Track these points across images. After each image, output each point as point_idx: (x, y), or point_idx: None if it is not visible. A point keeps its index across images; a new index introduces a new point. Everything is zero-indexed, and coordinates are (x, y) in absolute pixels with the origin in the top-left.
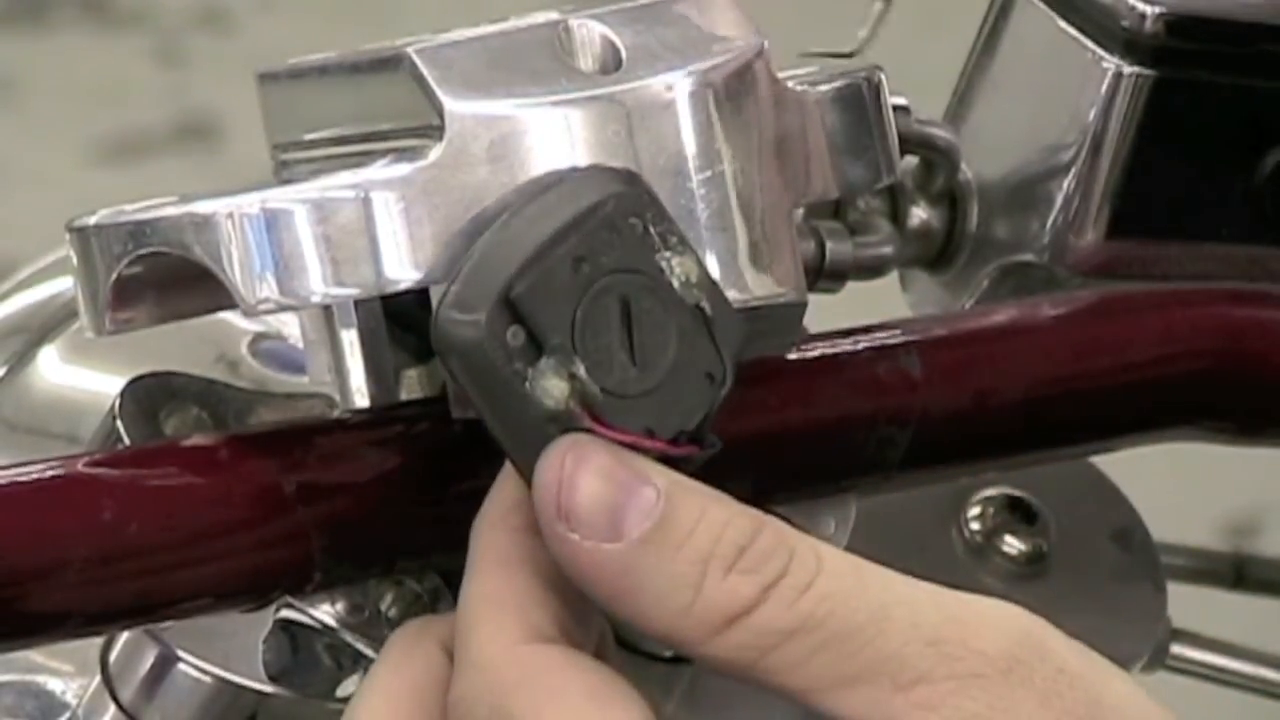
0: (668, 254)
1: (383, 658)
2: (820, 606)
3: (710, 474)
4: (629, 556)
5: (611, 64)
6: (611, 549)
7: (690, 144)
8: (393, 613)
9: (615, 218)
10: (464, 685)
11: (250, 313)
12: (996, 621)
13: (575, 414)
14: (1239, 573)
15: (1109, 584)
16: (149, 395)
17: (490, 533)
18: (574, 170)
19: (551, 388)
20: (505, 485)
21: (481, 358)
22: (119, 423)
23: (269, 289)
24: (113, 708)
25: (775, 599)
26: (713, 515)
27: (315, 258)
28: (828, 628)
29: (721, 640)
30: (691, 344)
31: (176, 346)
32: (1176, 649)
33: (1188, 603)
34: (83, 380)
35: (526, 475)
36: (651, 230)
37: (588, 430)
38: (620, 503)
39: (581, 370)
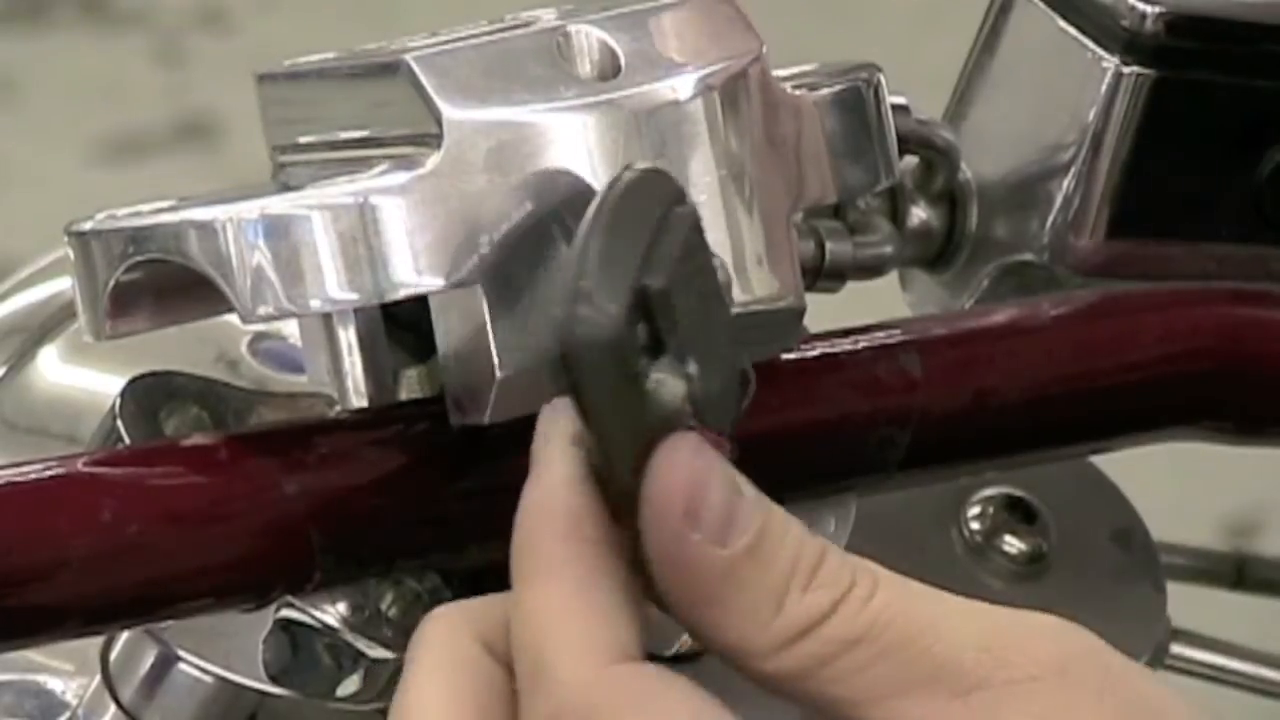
0: (710, 255)
1: (421, 663)
2: (882, 615)
3: None
4: (733, 565)
5: (610, 70)
6: (720, 555)
7: (689, 149)
8: (393, 612)
9: (688, 218)
10: (553, 706)
11: (249, 319)
12: (1043, 628)
13: (686, 414)
14: (1239, 572)
15: (1109, 584)
16: (149, 395)
17: (563, 544)
18: (638, 169)
19: (672, 387)
20: (566, 492)
21: (612, 354)
22: (119, 422)
23: (268, 296)
24: (113, 707)
25: (844, 610)
26: (793, 532)
27: (314, 266)
28: (887, 637)
29: (788, 653)
30: (734, 346)
31: (176, 346)
32: (1176, 649)
33: (1188, 603)
34: (83, 380)
35: (623, 475)
36: (699, 232)
37: (693, 430)
38: (735, 510)
39: (694, 370)
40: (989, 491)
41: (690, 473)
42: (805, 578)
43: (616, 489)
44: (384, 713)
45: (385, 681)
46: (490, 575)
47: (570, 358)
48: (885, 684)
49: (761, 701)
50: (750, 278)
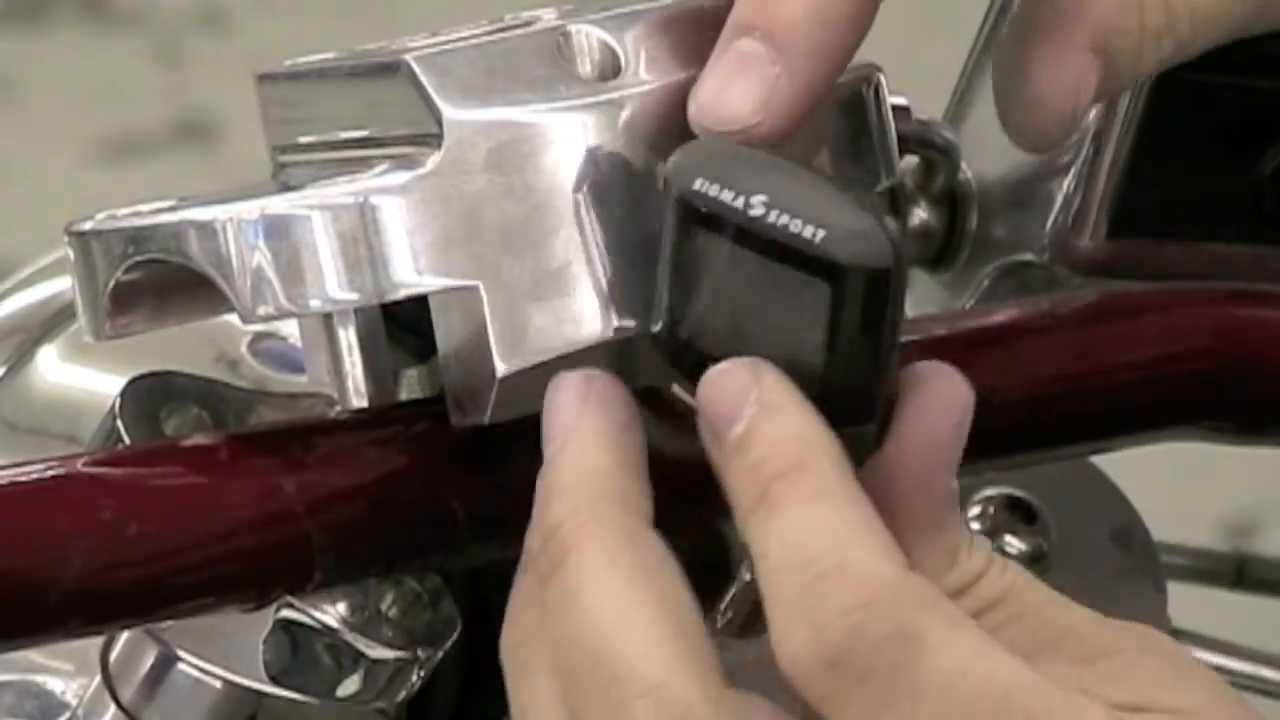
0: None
1: (592, 549)
2: (1016, 582)
3: (712, 474)
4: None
5: (610, 70)
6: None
7: None
8: (393, 613)
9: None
10: (860, 597)
11: (249, 319)
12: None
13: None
14: (1239, 572)
15: (1109, 584)
16: (149, 395)
17: (834, 469)
18: None
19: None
20: (815, 428)
21: (896, 278)
22: (119, 422)
23: (268, 296)
24: (113, 707)
25: (991, 572)
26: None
27: (315, 266)
28: (1019, 603)
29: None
30: None
31: (176, 346)
32: None
33: (1188, 602)
34: (83, 380)
35: (873, 403)
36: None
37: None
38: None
39: None
40: (989, 491)
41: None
42: (969, 539)
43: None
44: (384, 713)
45: (385, 681)
46: (490, 575)
47: (856, 286)
48: (1016, 647)
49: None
50: None
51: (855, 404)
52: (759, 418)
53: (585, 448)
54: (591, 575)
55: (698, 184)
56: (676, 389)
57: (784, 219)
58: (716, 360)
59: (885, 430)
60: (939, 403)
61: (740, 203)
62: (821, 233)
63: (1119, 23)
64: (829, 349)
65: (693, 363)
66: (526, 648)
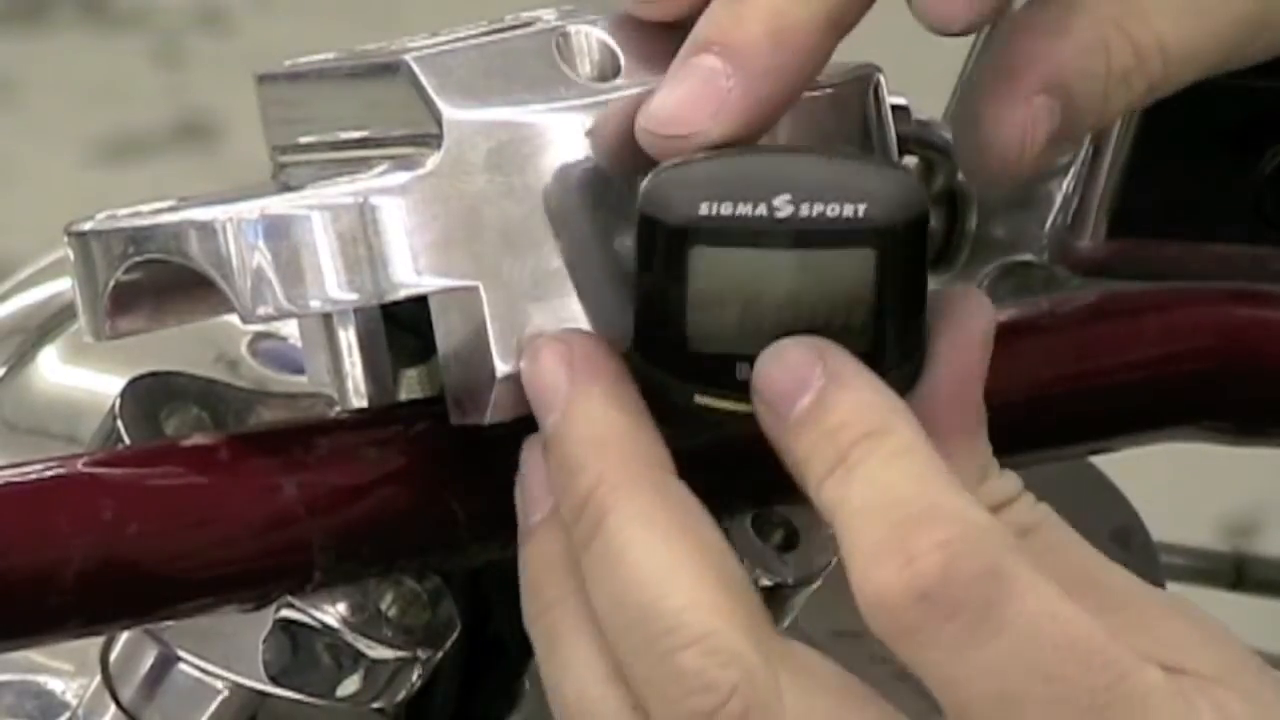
0: None
1: (629, 508)
2: (1049, 518)
3: (712, 473)
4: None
5: (610, 70)
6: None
7: None
8: (393, 612)
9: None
10: (954, 533)
11: (249, 320)
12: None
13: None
14: (1239, 573)
15: None
16: (149, 395)
17: (914, 432)
18: None
19: None
20: (887, 395)
21: (922, 230)
22: (119, 422)
23: (268, 296)
24: (113, 707)
25: (1025, 498)
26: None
27: (314, 266)
28: (1051, 536)
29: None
30: None
31: (176, 346)
32: None
33: None
34: (83, 380)
35: (920, 341)
36: None
37: None
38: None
39: None
40: None
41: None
42: (998, 465)
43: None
44: (384, 712)
45: (385, 681)
46: (490, 575)
47: (891, 241)
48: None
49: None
50: None
51: (903, 348)
52: (830, 388)
53: (592, 412)
54: (631, 535)
55: (704, 209)
56: (700, 398)
57: (817, 208)
58: (741, 359)
59: (923, 357)
60: (968, 321)
61: (763, 209)
62: (862, 205)
63: (1082, 65)
64: (877, 310)
65: (715, 369)
66: (557, 611)
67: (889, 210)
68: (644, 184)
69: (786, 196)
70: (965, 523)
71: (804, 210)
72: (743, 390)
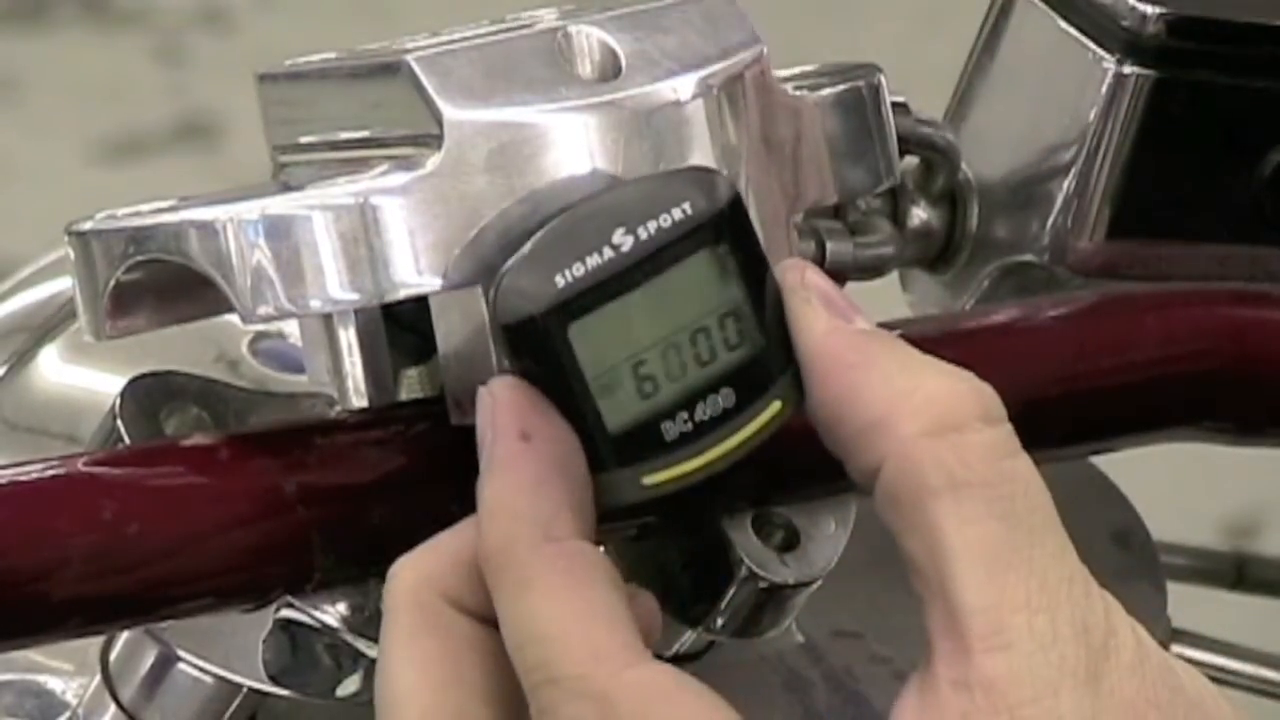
0: None
1: (392, 634)
2: (1018, 478)
3: (712, 473)
4: (860, 338)
5: (611, 71)
6: (849, 326)
7: (689, 150)
8: None
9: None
10: (573, 713)
11: (250, 320)
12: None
13: None
14: (1239, 572)
15: (1109, 584)
16: (149, 395)
17: (541, 549)
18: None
19: None
20: (535, 495)
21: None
22: (119, 422)
23: (268, 296)
24: (113, 707)
25: (990, 438)
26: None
27: (315, 266)
28: (1011, 504)
29: (925, 446)
30: None
31: (177, 346)
32: (1177, 649)
33: (1188, 603)
34: (83, 380)
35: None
36: None
37: None
38: (851, 304)
39: None
40: None
41: (801, 267)
42: (944, 367)
43: None
44: None
45: None
46: None
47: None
48: (981, 546)
49: (765, 699)
50: None
51: (783, 337)
52: (485, 475)
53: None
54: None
55: (560, 281)
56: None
57: (651, 225)
58: (663, 417)
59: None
60: (801, 281)
61: (608, 251)
62: (686, 204)
63: None
64: (752, 303)
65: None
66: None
67: (711, 199)
68: (492, 299)
69: (621, 230)
70: (588, 699)
71: (641, 233)
72: (680, 447)
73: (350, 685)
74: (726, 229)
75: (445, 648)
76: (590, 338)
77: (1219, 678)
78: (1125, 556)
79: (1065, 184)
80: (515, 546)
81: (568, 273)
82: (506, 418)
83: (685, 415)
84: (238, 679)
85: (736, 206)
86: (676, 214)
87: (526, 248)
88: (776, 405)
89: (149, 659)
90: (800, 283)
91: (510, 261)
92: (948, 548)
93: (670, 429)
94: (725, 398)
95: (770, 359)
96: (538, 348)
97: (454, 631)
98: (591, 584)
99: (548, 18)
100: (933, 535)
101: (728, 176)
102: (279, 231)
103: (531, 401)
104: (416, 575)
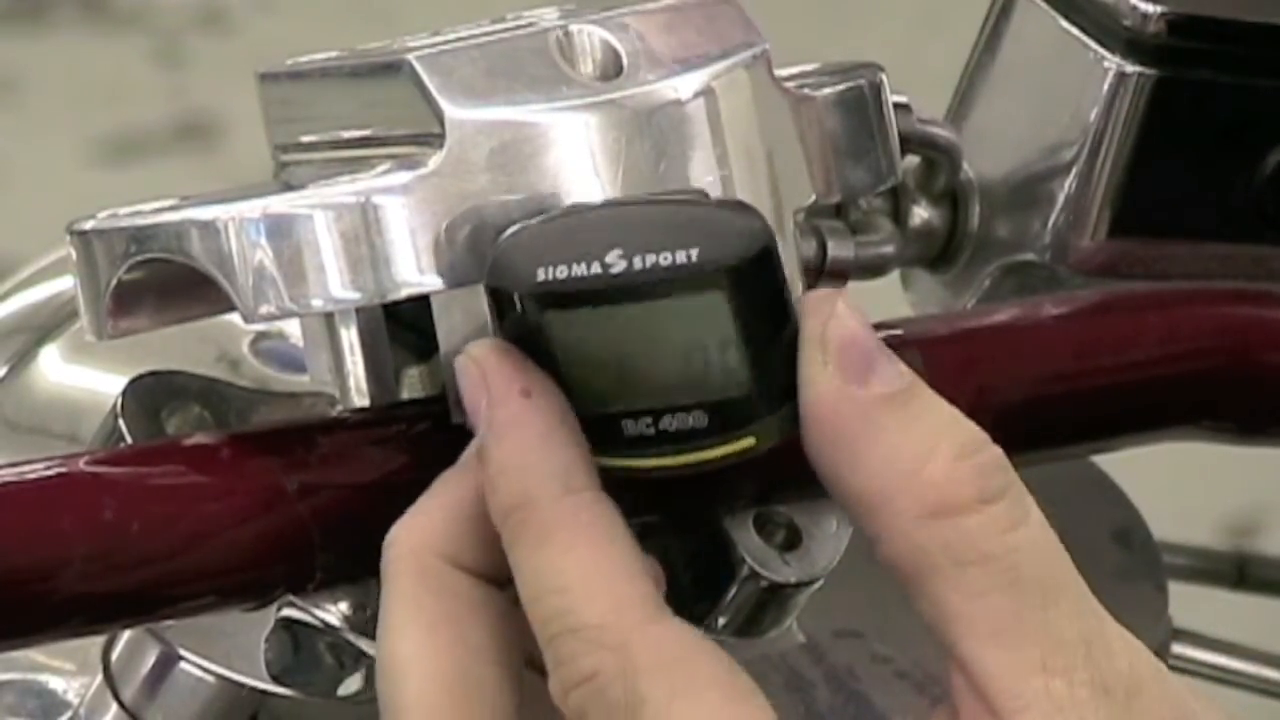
0: None
1: (393, 599)
2: (1022, 548)
3: (713, 472)
4: (871, 406)
5: (612, 70)
6: (858, 393)
7: (690, 149)
8: None
9: None
10: (592, 664)
11: (251, 319)
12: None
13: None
14: (1240, 572)
15: (1110, 583)
16: (150, 394)
17: (562, 501)
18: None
19: None
20: (551, 448)
21: (773, 246)
22: (120, 421)
23: (270, 296)
24: (114, 706)
25: (989, 517)
26: (948, 407)
27: (317, 265)
28: (1017, 574)
29: (925, 528)
30: None
31: (178, 345)
32: (1178, 649)
33: (1189, 602)
34: (84, 379)
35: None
36: None
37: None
38: (874, 356)
39: None
40: None
41: (827, 309)
42: (955, 447)
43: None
44: None
45: None
46: None
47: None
48: (990, 621)
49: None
50: None
51: (783, 383)
52: (490, 436)
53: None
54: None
55: (541, 274)
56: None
57: (649, 258)
58: (626, 416)
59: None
60: (826, 321)
61: (597, 267)
62: (694, 250)
63: None
64: (746, 348)
65: (604, 431)
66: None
67: (724, 250)
68: (490, 257)
69: (618, 251)
70: (610, 650)
71: (636, 263)
72: (637, 447)
73: (352, 684)
74: (734, 282)
75: (447, 609)
76: (566, 329)
77: (1220, 677)
78: (1126, 556)
79: (1066, 183)
80: (535, 501)
81: (551, 270)
82: (503, 376)
83: (649, 421)
84: (239, 678)
85: (762, 261)
86: (680, 256)
87: (526, 227)
88: (749, 441)
89: (151, 658)
90: (819, 337)
91: (510, 231)
92: (956, 618)
93: (630, 427)
94: (696, 419)
95: (757, 400)
96: (517, 320)
97: (456, 592)
98: (611, 537)
99: (549, 17)
100: (939, 607)
101: (765, 226)
102: (280, 231)
103: (523, 359)
104: (413, 538)
